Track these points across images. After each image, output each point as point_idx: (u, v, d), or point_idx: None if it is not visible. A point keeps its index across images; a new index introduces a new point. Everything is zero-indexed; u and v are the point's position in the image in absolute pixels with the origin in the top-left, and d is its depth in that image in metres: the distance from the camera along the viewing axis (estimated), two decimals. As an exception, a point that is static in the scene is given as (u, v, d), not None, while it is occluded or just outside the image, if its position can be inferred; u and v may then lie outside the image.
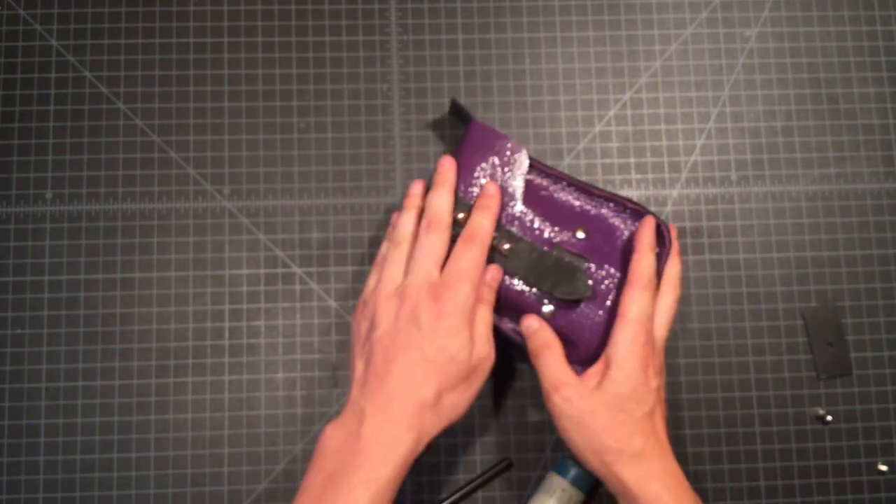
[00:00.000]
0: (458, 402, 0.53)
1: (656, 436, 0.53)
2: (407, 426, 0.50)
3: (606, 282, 0.59)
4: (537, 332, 0.57)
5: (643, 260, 0.56)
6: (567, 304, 0.59)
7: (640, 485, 0.50)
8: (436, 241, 0.56)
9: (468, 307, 0.54)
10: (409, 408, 0.50)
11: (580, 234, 0.60)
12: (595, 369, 0.54)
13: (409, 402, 0.51)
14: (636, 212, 0.60)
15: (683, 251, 0.65)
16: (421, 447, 0.51)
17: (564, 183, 0.61)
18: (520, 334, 0.60)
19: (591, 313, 0.59)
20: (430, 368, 0.52)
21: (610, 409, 0.52)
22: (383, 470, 0.48)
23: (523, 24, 0.68)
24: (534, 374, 0.63)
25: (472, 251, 0.56)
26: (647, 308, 0.54)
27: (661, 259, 0.60)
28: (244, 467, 0.62)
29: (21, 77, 0.65)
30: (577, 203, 0.61)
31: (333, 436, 0.51)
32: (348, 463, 0.49)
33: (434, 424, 0.51)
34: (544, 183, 0.61)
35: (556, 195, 0.61)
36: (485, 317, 0.56)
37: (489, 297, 0.57)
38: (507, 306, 0.60)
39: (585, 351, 0.58)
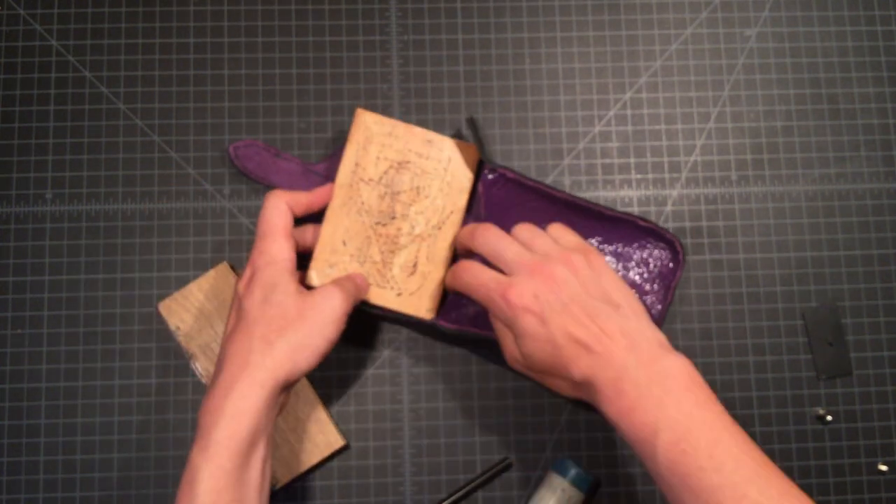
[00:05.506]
0: (301, 343, 0.52)
1: None
2: (228, 385, 0.50)
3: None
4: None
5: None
6: None
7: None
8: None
9: (283, 260, 0.55)
10: (234, 368, 0.51)
11: None
12: None
13: (234, 363, 0.51)
14: (648, 230, 0.61)
15: (683, 251, 0.65)
16: (264, 394, 0.50)
17: (570, 210, 0.62)
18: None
19: None
20: (248, 320, 0.53)
21: None
22: (214, 432, 0.49)
23: (523, 24, 0.68)
24: (534, 374, 0.63)
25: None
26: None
27: (675, 272, 0.61)
28: (244, 467, 0.62)
29: (21, 77, 0.65)
30: (582, 231, 0.61)
31: None
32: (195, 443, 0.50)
33: (275, 366, 0.51)
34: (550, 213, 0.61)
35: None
36: (335, 295, 0.55)
37: (351, 289, 0.57)
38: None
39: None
